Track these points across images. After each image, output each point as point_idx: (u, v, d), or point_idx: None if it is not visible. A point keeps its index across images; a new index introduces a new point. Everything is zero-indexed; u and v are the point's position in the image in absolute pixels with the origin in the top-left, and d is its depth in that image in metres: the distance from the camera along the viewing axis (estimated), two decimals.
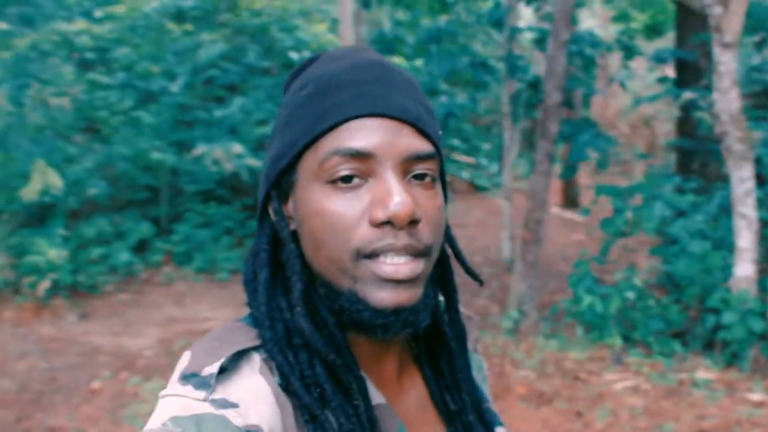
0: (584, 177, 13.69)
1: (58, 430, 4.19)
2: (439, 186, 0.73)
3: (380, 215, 0.65)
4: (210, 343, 0.69)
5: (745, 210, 4.56)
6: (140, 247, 7.52)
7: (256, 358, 0.69)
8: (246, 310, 0.75)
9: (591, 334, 5.51)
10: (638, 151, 12.73)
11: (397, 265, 0.66)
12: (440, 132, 0.75)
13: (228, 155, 7.81)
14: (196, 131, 8.80)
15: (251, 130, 9.04)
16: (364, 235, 0.66)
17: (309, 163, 0.69)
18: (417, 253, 0.67)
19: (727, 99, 4.39)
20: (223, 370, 0.66)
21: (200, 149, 7.92)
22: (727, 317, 4.64)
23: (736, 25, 4.26)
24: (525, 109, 7.68)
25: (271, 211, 0.75)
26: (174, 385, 0.66)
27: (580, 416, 3.79)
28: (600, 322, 5.48)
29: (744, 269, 4.68)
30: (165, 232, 7.98)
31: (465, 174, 14.20)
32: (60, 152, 7.41)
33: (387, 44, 8.73)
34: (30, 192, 6.39)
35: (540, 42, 7.84)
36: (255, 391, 0.66)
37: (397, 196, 0.65)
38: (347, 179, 0.67)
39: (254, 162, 8.11)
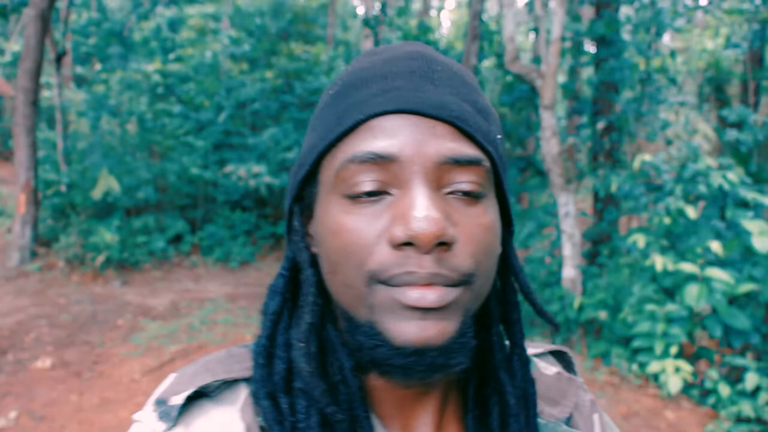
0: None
1: (91, 343, 6.47)
2: (490, 202, 0.60)
3: (399, 234, 0.53)
4: (197, 368, 0.63)
5: (566, 227, 6.35)
6: (176, 239, 9.91)
7: (243, 392, 0.61)
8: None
9: None
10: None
11: (423, 289, 0.54)
12: (499, 136, 0.63)
13: (249, 173, 10.12)
14: (235, 153, 11.18)
15: (277, 155, 11.36)
16: (381, 257, 0.55)
17: (328, 172, 0.59)
18: (449, 284, 0.55)
19: (549, 145, 6.23)
20: (195, 399, 0.60)
21: (229, 168, 10.28)
22: (553, 307, 6.40)
23: (550, 93, 6.09)
24: None
25: (292, 230, 0.65)
26: (147, 407, 0.60)
27: None
28: None
29: (568, 272, 6.43)
30: (197, 230, 10.33)
31: None
32: (124, 165, 9.93)
33: None
34: (97, 193, 8.87)
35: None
36: (224, 430, 0.58)
37: (420, 210, 0.53)
38: (370, 193, 0.56)
39: (272, 180, 10.38)
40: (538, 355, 0.78)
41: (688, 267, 4.83)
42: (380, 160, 0.55)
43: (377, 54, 0.63)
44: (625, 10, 7.91)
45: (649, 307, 4.88)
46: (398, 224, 0.54)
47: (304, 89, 12.07)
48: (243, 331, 6.68)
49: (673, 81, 8.26)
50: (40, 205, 9.10)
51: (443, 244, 0.54)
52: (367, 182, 0.56)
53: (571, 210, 6.33)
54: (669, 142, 6.67)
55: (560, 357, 0.79)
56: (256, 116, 12.32)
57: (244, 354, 0.65)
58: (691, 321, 4.95)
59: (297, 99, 12.18)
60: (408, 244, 0.53)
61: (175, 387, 0.60)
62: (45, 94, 17.12)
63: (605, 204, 6.95)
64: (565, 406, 0.71)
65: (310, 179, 0.63)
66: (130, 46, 14.98)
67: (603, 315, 5.34)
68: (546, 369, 0.75)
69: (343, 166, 0.57)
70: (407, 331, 0.54)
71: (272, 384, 0.60)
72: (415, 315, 0.54)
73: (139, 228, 9.37)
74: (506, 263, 0.66)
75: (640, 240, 5.23)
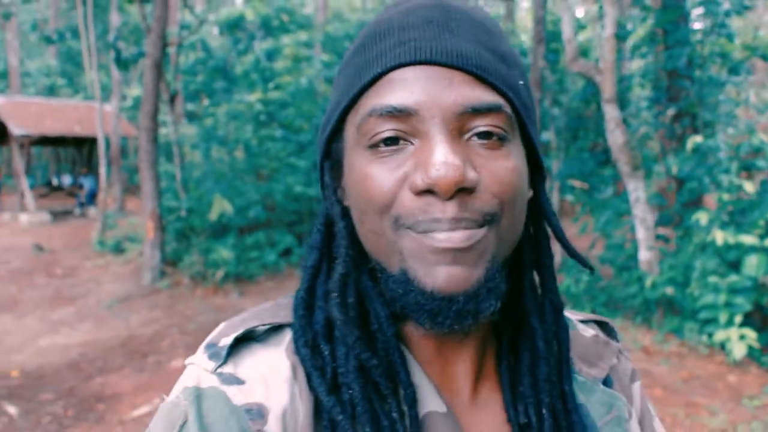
0: None
1: None
2: (513, 147, 0.61)
3: (419, 182, 0.56)
4: (247, 316, 0.67)
5: (637, 212, 6.63)
6: (285, 253, 10.86)
7: (288, 335, 0.65)
8: None
9: (575, 309, 7.64)
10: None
11: (449, 232, 0.56)
12: (521, 82, 0.63)
13: None
14: None
15: None
16: (405, 203, 0.57)
17: (352, 126, 0.62)
18: (473, 227, 0.57)
19: (614, 136, 6.55)
20: (244, 342, 0.63)
21: None
22: (632, 289, 6.66)
23: (610, 88, 6.42)
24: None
25: (324, 185, 0.68)
26: (198, 352, 0.64)
27: None
28: (574, 299, 7.62)
29: (644, 255, 6.70)
30: (304, 243, 11.25)
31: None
32: (235, 189, 11.02)
33: None
34: (212, 215, 9.95)
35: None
36: (271, 368, 0.62)
37: (438, 157, 0.55)
38: (389, 141, 0.58)
39: None
40: (581, 321, 0.80)
41: (747, 239, 5.06)
42: (399, 114, 0.57)
43: (397, 6, 0.64)
44: None
45: (711, 279, 5.15)
46: (419, 172, 0.56)
47: None
48: None
49: (765, 58, 8.27)
50: (165, 230, 10.28)
51: (464, 190, 0.55)
52: (386, 131, 0.58)
53: (641, 195, 6.61)
54: (767, 119, 6.80)
55: (603, 327, 0.81)
56: None
57: (290, 303, 0.68)
58: (757, 291, 5.16)
59: None
60: (429, 191, 0.56)
61: (224, 331, 0.64)
62: (162, 131, 18.87)
63: (677, 187, 7.15)
64: (602, 368, 0.74)
65: (336, 135, 0.66)
66: (233, 79, 16.23)
67: (670, 290, 5.63)
68: (584, 331, 0.78)
69: (363, 120, 0.59)
70: (437, 276, 0.56)
71: (312, 333, 0.63)
72: (445, 258, 0.56)
73: (252, 244, 10.37)
74: (539, 209, 0.69)
75: (703, 218, 5.48)
